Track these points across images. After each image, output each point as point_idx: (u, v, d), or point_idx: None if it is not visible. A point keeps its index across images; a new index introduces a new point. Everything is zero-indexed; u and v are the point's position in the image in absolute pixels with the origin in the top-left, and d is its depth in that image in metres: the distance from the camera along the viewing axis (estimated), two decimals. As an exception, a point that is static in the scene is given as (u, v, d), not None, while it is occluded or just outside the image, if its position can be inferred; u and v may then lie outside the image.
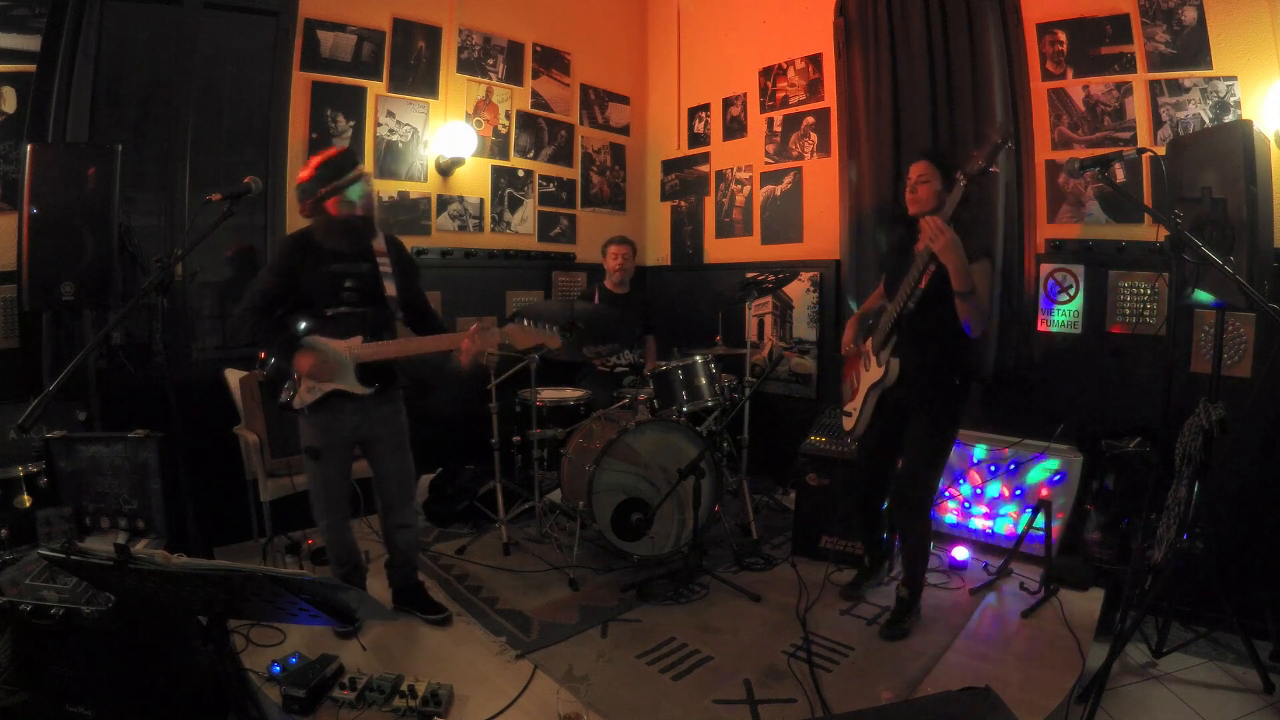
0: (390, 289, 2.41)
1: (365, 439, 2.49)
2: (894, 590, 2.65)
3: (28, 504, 2.38)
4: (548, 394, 3.60)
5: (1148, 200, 2.88)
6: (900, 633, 2.47)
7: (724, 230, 4.60)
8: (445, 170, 4.01)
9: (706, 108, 4.67)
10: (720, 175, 4.60)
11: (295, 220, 3.44)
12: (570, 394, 3.66)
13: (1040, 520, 2.78)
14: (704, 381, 3.25)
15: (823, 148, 4.03)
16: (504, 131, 4.29)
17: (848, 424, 2.63)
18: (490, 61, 4.20)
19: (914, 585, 2.54)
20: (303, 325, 2.34)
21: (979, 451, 3.17)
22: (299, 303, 2.34)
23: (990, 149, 2.11)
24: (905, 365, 2.38)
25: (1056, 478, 2.98)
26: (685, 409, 3.19)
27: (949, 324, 2.28)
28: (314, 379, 2.30)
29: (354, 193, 2.29)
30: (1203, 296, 2.26)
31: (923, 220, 2.16)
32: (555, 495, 3.53)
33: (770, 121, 4.28)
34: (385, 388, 2.43)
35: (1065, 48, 3.09)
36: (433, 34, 3.93)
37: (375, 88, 3.75)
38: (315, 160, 2.30)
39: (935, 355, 2.37)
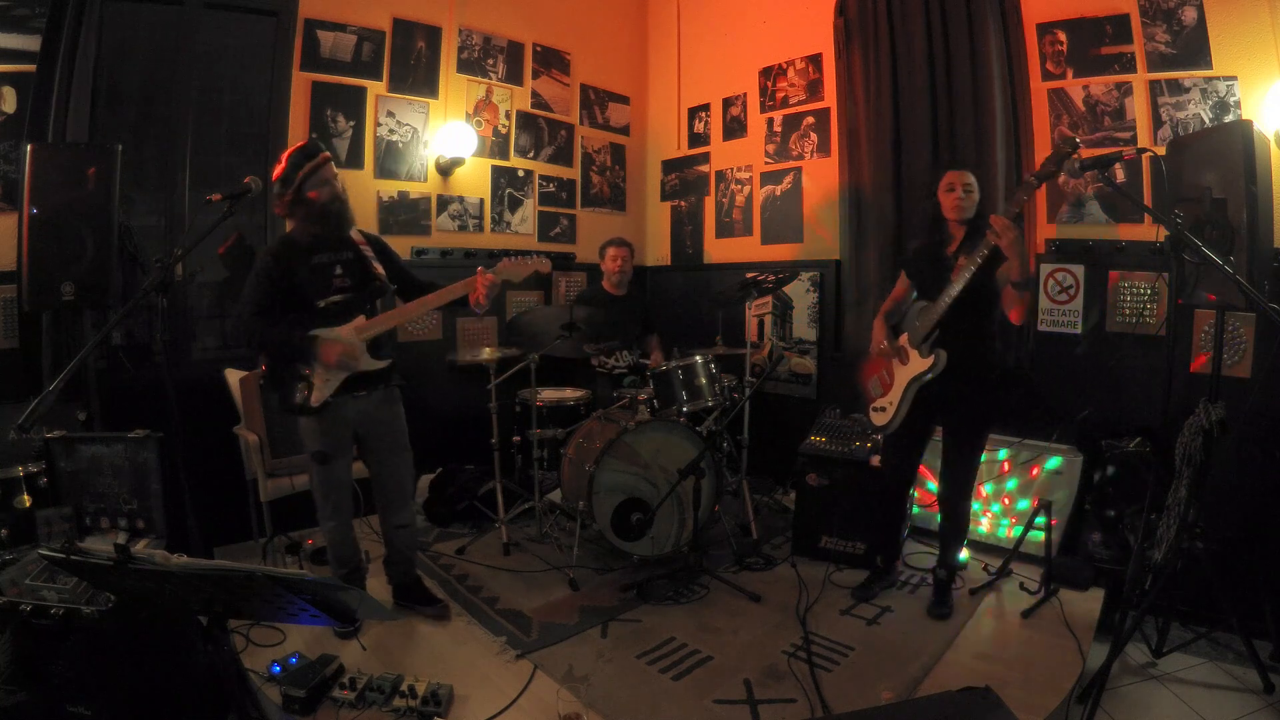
0: (378, 269, 2.48)
1: (363, 436, 2.51)
2: (900, 580, 2.76)
3: (28, 504, 2.37)
4: (548, 394, 3.60)
5: (1148, 200, 2.88)
6: (948, 610, 2.61)
7: (724, 230, 4.60)
8: (445, 170, 4.01)
9: (706, 108, 4.67)
10: (720, 175, 4.60)
11: (295, 220, 3.46)
12: (570, 394, 3.66)
13: (1040, 520, 2.78)
14: (704, 381, 3.25)
15: (823, 148, 4.02)
16: (504, 131, 4.29)
17: (880, 419, 2.65)
18: (490, 61, 4.20)
19: (951, 565, 2.70)
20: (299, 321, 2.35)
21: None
22: (290, 301, 2.35)
23: (1058, 155, 2.21)
24: (950, 359, 2.46)
25: (1056, 478, 2.98)
26: (685, 409, 3.19)
27: (987, 320, 2.46)
28: (342, 367, 2.34)
29: (329, 173, 2.36)
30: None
31: (994, 218, 2.23)
32: (555, 495, 3.53)
33: (770, 121, 4.28)
34: (385, 382, 2.49)
35: (1065, 48, 3.09)
36: (433, 34, 3.93)
37: (375, 88, 3.75)
38: (285, 154, 2.36)
39: (975, 349, 2.48)
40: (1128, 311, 3.00)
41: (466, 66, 4.09)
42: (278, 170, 2.34)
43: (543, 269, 2.57)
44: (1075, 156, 2.14)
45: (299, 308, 2.35)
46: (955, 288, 2.38)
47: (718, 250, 4.66)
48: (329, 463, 2.43)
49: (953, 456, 2.62)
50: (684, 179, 4.85)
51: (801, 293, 4.11)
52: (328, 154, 2.39)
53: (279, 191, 2.34)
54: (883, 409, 2.64)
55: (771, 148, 4.28)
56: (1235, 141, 2.13)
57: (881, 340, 2.64)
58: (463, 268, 4.07)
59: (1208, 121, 2.76)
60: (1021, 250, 2.23)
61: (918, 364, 2.49)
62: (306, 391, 2.34)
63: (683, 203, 4.86)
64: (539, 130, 4.46)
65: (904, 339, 2.57)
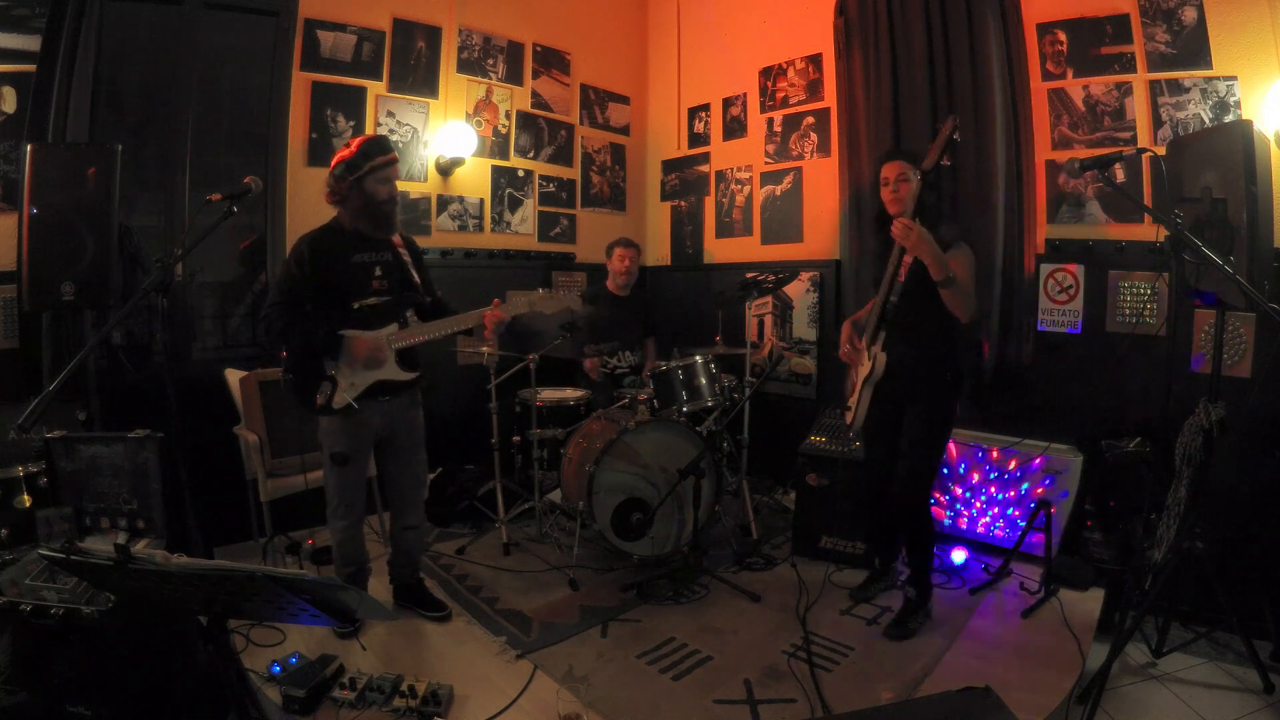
0: (416, 278, 2.49)
1: (384, 438, 2.51)
2: (901, 591, 2.66)
3: (28, 504, 2.37)
4: (548, 394, 3.60)
5: (1148, 200, 2.88)
6: (905, 633, 2.47)
7: (724, 230, 4.60)
8: (445, 170, 4.01)
9: (706, 108, 4.67)
10: (720, 175, 4.60)
11: (296, 219, 3.46)
12: (570, 394, 3.66)
13: (1040, 520, 2.78)
14: (704, 381, 3.25)
15: (823, 148, 4.02)
16: (504, 131, 4.29)
17: (848, 418, 2.67)
18: (490, 61, 4.20)
19: (921, 585, 2.55)
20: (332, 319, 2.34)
21: (979, 451, 3.16)
22: (325, 299, 2.34)
23: (943, 142, 2.18)
24: (894, 359, 2.42)
25: (1056, 478, 2.98)
26: (685, 409, 3.19)
27: (934, 317, 2.36)
28: (369, 365, 2.33)
29: (393, 173, 2.38)
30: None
31: (896, 221, 2.22)
32: (555, 495, 3.53)
33: (770, 121, 4.28)
34: (411, 385, 2.49)
35: (1065, 48, 3.09)
36: (433, 34, 3.93)
37: (375, 88, 3.75)
38: (357, 141, 2.36)
39: (923, 349, 2.42)
40: (1128, 311, 3.00)
41: (466, 66, 4.09)
42: (344, 153, 2.33)
43: (575, 307, 2.60)
44: (1075, 159, 2.13)
45: (334, 306, 2.33)
46: (884, 288, 2.37)
47: (718, 250, 4.66)
48: (348, 464, 2.41)
49: (905, 455, 2.51)
50: (684, 179, 4.85)
51: (801, 293, 4.11)
52: (397, 156, 2.42)
53: (340, 174, 2.33)
54: (849, 408, 2.64)
55: (771, 148, 4.28)
56: (1235, 141, 2.13)
57: (844, 343, 2.65)
58: (463, 268, 4.08)
59: (1208, 121, 2.76)
60: (930, 248, 2.19)
61: (866, 366, 2.49)
62: (330, 392, 2.33)
63: (683, 203, 4.86)
64: (539, 130, 4.46)
65: (861, 341, 2.56)
